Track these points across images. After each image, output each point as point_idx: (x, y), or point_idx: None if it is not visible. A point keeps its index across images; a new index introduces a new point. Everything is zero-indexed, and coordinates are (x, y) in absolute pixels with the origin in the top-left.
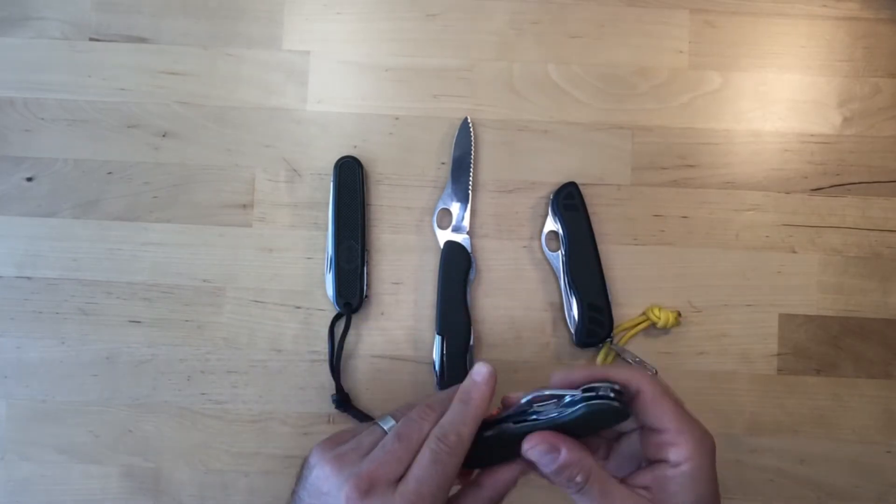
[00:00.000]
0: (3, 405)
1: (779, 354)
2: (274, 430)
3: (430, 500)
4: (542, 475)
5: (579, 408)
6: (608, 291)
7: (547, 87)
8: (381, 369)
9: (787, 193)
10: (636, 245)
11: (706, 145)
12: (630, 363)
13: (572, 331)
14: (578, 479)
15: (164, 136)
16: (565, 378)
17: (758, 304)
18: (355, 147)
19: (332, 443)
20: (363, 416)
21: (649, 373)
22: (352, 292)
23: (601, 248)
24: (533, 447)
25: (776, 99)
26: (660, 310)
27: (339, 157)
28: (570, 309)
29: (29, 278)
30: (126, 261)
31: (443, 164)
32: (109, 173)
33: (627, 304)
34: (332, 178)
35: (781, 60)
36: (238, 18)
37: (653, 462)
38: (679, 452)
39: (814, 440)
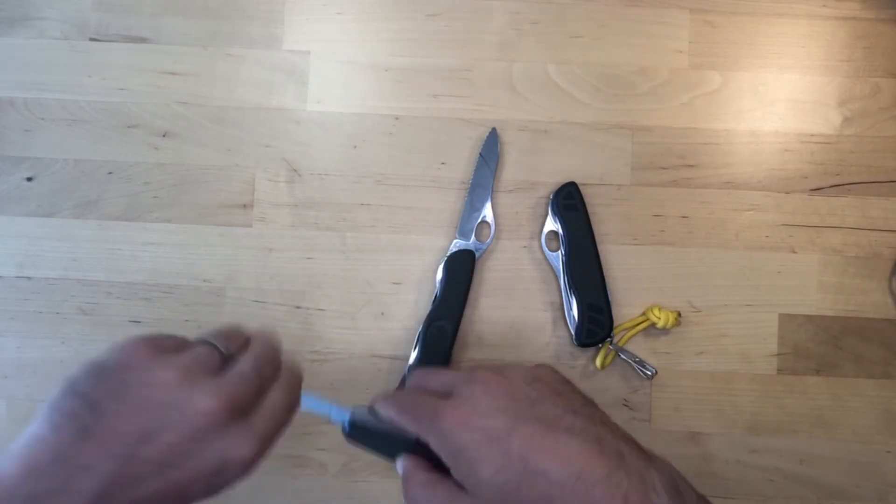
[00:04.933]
0: (3, 405)
1: (779, 354)
2: None
3: (279, 424)
4: None
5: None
6: (608, 291)
7: (547, 87)
8: (382, 369)
9: (787, 193)
10: (636, 245)
11: (706, 145)
12: (630, 363)
13: (572, 331)
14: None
15: (164, 136)
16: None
17: (758, 304)
18: (355, 147)
19: (157, 346)
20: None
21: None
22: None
23: (601, 248)
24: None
25: (776, 99)
26: (660, 310)
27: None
28: (570, 309)
29: (29, 278)
30: (126, 261)
31: (443, 164)
32: (109, 173)
33: (627, 304)
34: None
35: (781, 60)
36: (238, 18)
37: None
38: (431, 444)
39: (814, 440)
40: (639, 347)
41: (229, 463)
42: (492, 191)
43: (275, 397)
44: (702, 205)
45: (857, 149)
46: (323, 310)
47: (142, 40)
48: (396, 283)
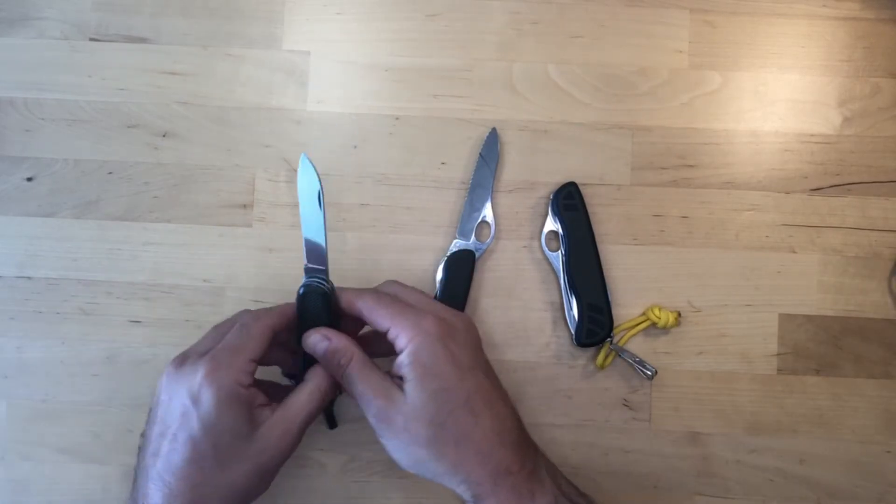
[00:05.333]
0: (3, 405)
1: (779, 354)
2: None
3: (229, 356)
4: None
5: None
6: (608, 291)
7: (547, 87)
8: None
9: (787, 193)
10: (636, 245)
11: (706, 145)
12: (630, 363)
13: (572, 331)
14: (342, 361)
15: (164, 136)
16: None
17: (758, 304)
18: (355, 147)
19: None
20: None
21: (387, 290)
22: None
23: (601, 248)
24: (309, 338)
25: (776, 99)
26: (660, 310)
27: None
28: (570, 309)
29: (29, 278)
30: (126, 261)
31: (443, 164)
32: (109, 173)
33: (627, 304)
34: (296, 306)
35: (781, 60)
36: (238, 18)
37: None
38: (401, 340)
39: (814, 440)
40: (639, 347)
41: (196, 394)
42: (492, 191)
43: (230, 331)
44: (702, 205)
45: (857, 149)
46: None
47: (142, 40)
48: None
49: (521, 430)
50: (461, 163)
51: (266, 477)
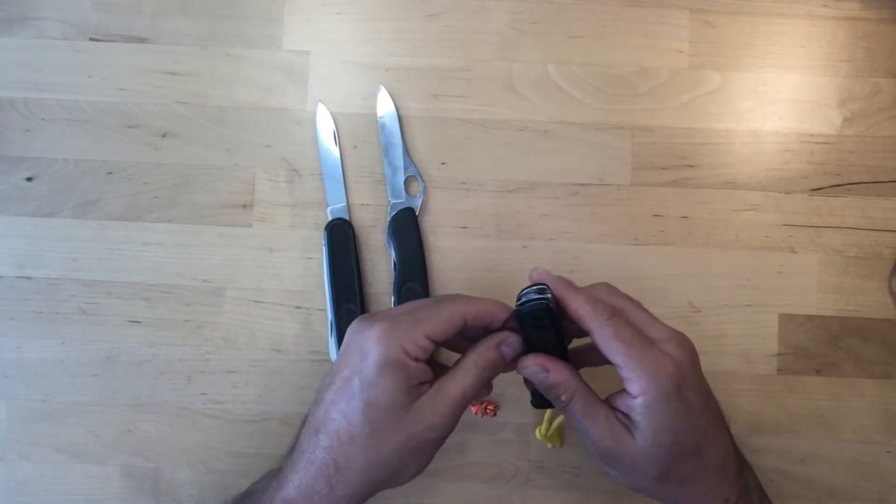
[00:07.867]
0: (3, 405)
1: (779, 354)
2: (274, 430)
3: (407, 324)
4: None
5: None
6: None
7: (547, 87)
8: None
9: (787, 193)
10: (636, 245)
11: (706, 145)
12: None
13: None
14: (563, 397)
15: (164, 136)
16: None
17: (758, 304)
18: (355, 147)
19: None
20: None
21: (603, 314)
22: None
23: (601, 247)
24: (527, 367)
25: (776, 99)
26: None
27: (329, 222)
28: None
29: (29, 278)
30: (126, 261)
31: (443, 164)
32: (109, 173)
33: None
34: (324, 241)
35: (781, 60)
36: (238, 18)
37: (624, 390)
38: (634, 386)
39: (814, 440)
40: None
41: (365, 351)
42: (403, 142)
43: (423, 303)
44: (702, 205)
45: (857, 149)
46: (323, 310)
47: (142, 40)
48: None
49: (736, 453)
50: (461, 163)
51: (418, 454)
